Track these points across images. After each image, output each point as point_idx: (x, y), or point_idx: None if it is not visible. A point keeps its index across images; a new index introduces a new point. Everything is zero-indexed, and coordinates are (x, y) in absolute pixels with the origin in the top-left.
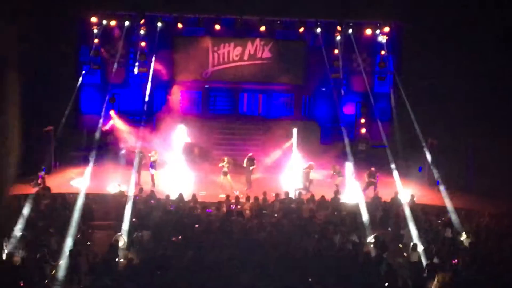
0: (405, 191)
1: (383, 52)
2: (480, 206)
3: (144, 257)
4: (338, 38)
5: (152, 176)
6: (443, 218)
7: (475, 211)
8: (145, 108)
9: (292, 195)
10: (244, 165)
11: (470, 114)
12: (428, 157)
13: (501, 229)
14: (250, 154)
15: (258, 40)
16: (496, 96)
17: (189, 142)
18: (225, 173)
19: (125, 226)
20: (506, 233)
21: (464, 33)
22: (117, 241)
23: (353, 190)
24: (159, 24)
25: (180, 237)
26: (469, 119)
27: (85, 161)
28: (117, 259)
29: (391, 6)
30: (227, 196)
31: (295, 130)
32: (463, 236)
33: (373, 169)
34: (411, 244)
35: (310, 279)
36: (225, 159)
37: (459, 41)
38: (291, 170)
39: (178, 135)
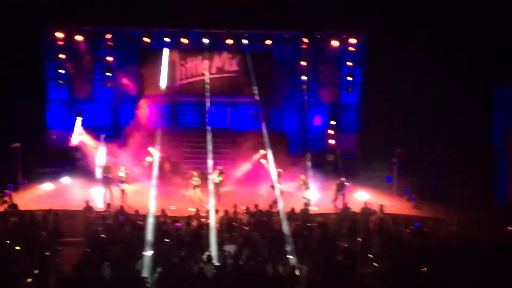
0: (374, 201)
1: (349, 64)
2: (449, 215)
3: (114, 273)
4: (305, 50)
5: (122, 191)
6: (412, 227)
7: (444, 219)
8: (112, 123)
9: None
10: (213, 178)
11: (437, 124)
12: (396, 167)
13: (469, 237)
14: (219, 168)
15: (225, 53)
16: (462, 106)
17: (159, 158)
18: (194, 187)
19: (95, 242)
20: (475, 240)
21: (432, 43)
22: (87, 257)
23: (322, 201)
24: (126, 39)
25: (150, 252)
26: (436, 129)
27: (53, 178)
28: (86, 276)
29: (357, 18)
30: (197, 210)
31: (264, 142)
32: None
33: (342, 179)
34: (381, 253)
35: None
36: (194, 173)
37: (427, 52)
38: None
39: (148, 150)
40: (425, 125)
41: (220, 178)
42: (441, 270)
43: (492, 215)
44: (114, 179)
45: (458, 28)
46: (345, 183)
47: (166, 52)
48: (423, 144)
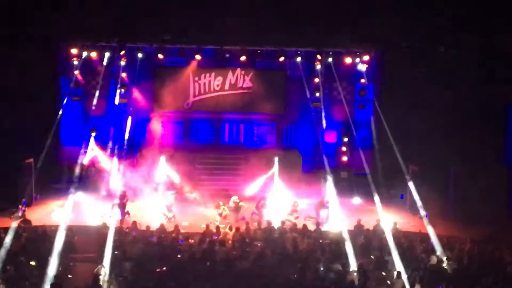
0: (387, 218)
1: (363, 80)
2: (462, 233)
3: None
4: (318, 67)
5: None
6: (425, 245)
7: (457, 237)
8: (126, 139)
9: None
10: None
11: (451, 141)
12: (410, 184)
13: (483, 255)
14: (235, 199)
15: (238, 69)
16: (477, 123)
17: (170, 174)
18: (221, 215)
19: (107, 258)
20: (489, 259)
21: (445, 60)
22: (99, 273)
23: (336, 219)
24: (140, 55)
25: (163, 268)
26: (450, 146)
27: (66, 194)
28: None
29: (370, 36)
30: (207, 226)
31: (276, 159)
32: (446, 263)
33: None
34: (395, 271)
35: None
36: (220, 203)
37: (440, 68)
38: (273, 199)
39: (162, 170)
40: (439, 141)
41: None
42: None
43: (506, 233)
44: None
45: (473, 44)
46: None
47: (179, 68)
48: (437, 161)
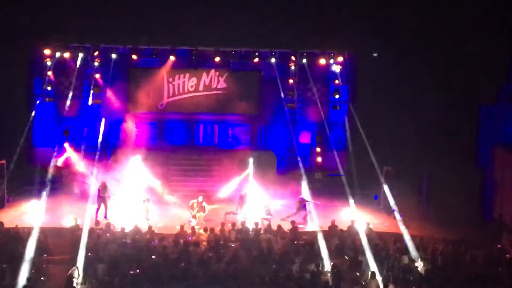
0: (361, 219)
1: (337, 82)
2: (435, 233)
3: None
4: (293, 68)
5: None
6: (399, 245)
7: (430, 238)
8: (100, 140)
9: (250, 225)
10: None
11: (425, 142)
12: (384, 185)
13: (456, 256)
14: (200, 200)
15: (213, 70)
16: (450, 124)
17: (144, 175)
18: (194, 216)
19: (81, 259)
20: (462, 259)
21: (419, 62)
22: (72, 275)
23: (311, 219)
24: (114, 56)
25: (137, 270)
26: (424, 147)
27: (39, 195)
28: None
29: (345, 37)
30: (182, 227)
31: (251, 160)
32: (419, 263)
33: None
34: (369, 272)
35: None
36: (194, 203)
37: (415, 70)
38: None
39: (136, 171)
40: (413, 143)
41: (202, 213)
42: None
43: (479, 234)
44: (107, 198)
45: (445, 47)
46: (306, 201)
47: (153, 69)
48: (410, 162)
